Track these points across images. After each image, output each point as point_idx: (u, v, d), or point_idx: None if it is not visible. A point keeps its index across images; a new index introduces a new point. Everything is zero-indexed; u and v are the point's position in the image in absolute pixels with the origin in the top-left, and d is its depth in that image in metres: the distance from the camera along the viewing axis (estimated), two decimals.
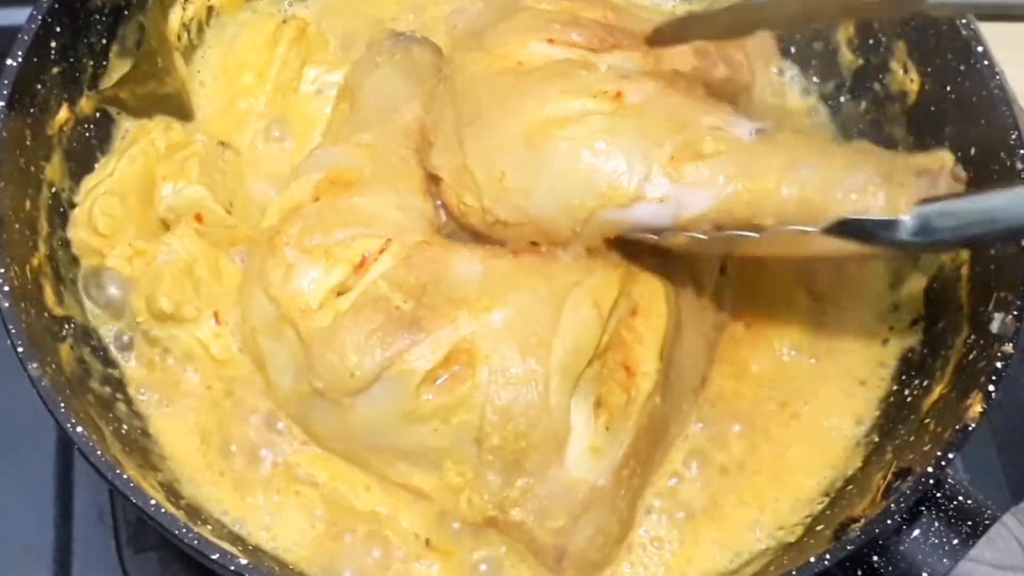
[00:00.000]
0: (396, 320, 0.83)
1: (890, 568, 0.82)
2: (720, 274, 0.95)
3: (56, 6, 0.92)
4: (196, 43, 1.07)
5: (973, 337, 0.89)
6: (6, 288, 0.82)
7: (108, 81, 1.00)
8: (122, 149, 0.99)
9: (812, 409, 0.96)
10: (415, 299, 0.84)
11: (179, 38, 1.05)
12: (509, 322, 0.83)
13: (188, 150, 0.96)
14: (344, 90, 1.03)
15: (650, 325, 0.86)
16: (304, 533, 0.88)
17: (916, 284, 0.99)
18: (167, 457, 0.90)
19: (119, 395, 0.92)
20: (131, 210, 0.95)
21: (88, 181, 0.96)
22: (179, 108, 1.03)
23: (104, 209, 0.94)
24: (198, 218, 0.94)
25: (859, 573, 0.83)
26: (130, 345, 0.94)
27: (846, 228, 0.78)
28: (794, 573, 0.78)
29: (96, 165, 0.99)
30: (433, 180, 0.94)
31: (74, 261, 0.95)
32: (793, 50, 1.11)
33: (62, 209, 0.95)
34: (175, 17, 1.04)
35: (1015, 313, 0.85)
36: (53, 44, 0.93)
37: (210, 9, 1.07)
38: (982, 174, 0.94)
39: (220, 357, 0.92)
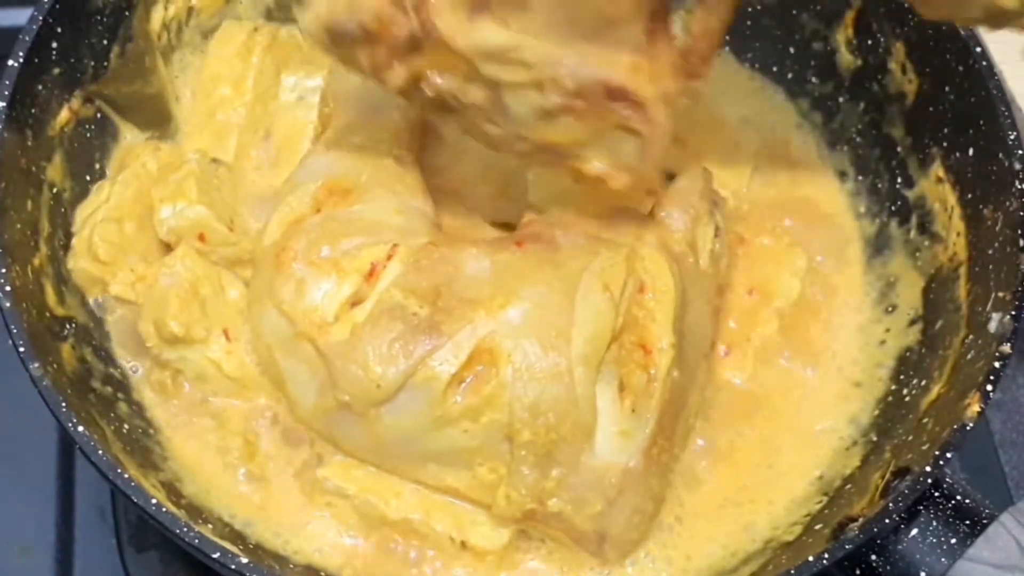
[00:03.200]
0: (415, 327, 0.84)
1: (888, 567, 0.82)
2: (715, 236, 0.96)
3: (57, 7, 0.92)
4: (175, 44, 1.06)
5: (971, 337, 0.89)
6: (7, 288, 0.83)
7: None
8: (114, 174, 0.98)
9: (806, 411, 0.97)
10: (430, 303, 0.84)
11: (159, 37, 1.05)
12: (526, 317, 0.84)
13: (183, 170, 0.95)
14: (326, 94, 1.02)
15: (660, 300, 0.87)
16: (337, 544, 0.88)
17: (914, 284, 1.00)
18: (170, 458, 0.91)
19: (120, 395, 0.92)
20: (129, 235, 0.94)
21: (83, 209, 0.96)
22: (163, 110, 1.03)
23: (103, 236, 0.93)
24: (201, 238, 0.94)
25: (857, 572, 0.83)
26: (140, 369, 0.94)
27: None
28: (792, 572, 0.78)
29: (95, 167, 0.99)
30: None
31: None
32: (792, 51, 1.12)
33: (63, 209, 0.95)
34: (157, 16, 1.04)
35: (1013, 313, 0.86)
36: (54, 45, 0.93)
37: (190, 10, 1.07)
38: (981, 175, 0.94)
39: (233, 375, 0.92)
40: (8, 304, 0.82)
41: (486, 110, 0.84)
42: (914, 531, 0.82)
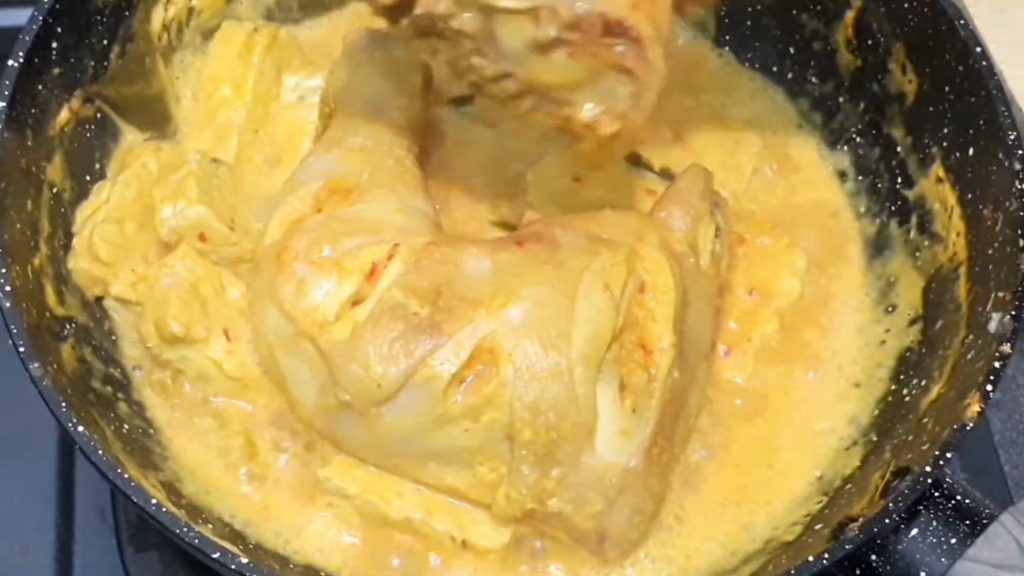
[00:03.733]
0: (416, 326, 0.84)
1: (888, 567, 0.82)
2: (715, 236, 0.96)
3: (57, 7, 0.92)
4: (175, 45, 1.06)
5: (971, 337, 0.89)
6: (7, 288, 0.83)
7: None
8: (114, 174, 0.98)
9: (806, 411, 0.97)
10: (431, 303, 0.85)
11: (160, 38, 1.05)
12: (526, 317, 0.84)
13: (183, 170, 0.95)
14: (327, 94, 1.02)
15: (660, 300, 0.87)
16: (337, 544, 0.88)
17: (914, 284, 1.00)
18: (170, 458, 0.91)
19: (120, 395, 0.92)
20: (130, 235, 0.94)
21: (83, 209, 0.96)
22: (163, 110, 1.03)
23: (104, 236, 0.93)
24: (201, 238, 0.94)
25: (857, 572, 0.83)
26: (140, 369, 0.94)
27: None
28: (792, 572, 0.78)
29: (95, 167, 0.99)
30: None
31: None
32: (792, 51, 1.12)
33: (63, 209, 0.95)
34: (157, 17, 1.04)
35: (1013, 313, 0.86)
36: (54, 45, 0.93)
37: (191, 10, 1.07)
38: (980, 175, 0.94)
39: (234, 374, 0.92)
40: (8, 304, 0.82)
41: (476, 40, 0.83)
42: (914, 531, 0.82)
